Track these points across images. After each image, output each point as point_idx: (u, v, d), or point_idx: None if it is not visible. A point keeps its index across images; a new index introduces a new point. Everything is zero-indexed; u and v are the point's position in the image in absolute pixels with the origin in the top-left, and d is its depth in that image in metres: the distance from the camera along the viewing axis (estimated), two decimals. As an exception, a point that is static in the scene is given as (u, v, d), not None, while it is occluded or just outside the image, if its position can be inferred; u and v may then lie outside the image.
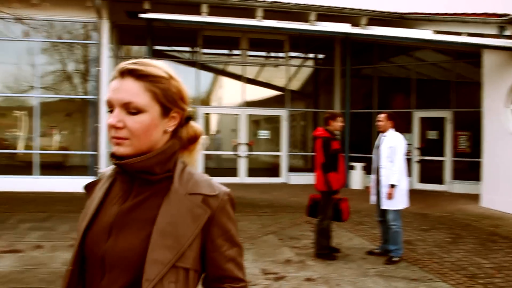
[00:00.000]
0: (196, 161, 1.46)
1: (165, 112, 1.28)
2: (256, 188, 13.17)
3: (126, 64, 1.27)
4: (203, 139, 1.45)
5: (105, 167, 10.26)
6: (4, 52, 12.23)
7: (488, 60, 10.85)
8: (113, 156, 1.28)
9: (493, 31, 10.00)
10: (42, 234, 7.17)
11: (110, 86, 1.28)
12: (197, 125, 1.44)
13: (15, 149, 12.36)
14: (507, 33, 9.75)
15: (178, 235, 1.24)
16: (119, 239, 1.25)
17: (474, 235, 7.66)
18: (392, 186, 5.95)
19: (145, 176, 1.28)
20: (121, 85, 1.25)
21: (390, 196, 5.95)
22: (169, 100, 1.28)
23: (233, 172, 14.56)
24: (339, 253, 6.37)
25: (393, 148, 6.03)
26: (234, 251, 1.35)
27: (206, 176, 1.38)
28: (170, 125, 1.31)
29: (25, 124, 12.32)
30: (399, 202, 6.04)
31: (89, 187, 1.42)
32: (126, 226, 1.27)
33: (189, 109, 1.36)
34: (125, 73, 1.26)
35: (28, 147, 12.16)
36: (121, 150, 1.26)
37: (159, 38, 13.51)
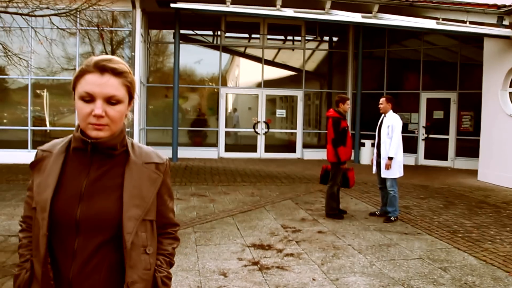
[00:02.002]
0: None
1: (130, 100, 1.56)
2: (273, 162, 14.42)
3: (103, 62, 1.49)
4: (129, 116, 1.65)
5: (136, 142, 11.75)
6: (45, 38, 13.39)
7: (488, 46, 11.84)
8: (88, 138, 1.51)
9: (493, 20, 10.92)
10: None
11: (88, 80, 1.47)
12: None
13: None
14: (506, 22, 10.67)
15: (143, 196, 1.56)
16: (92, 204, 1.49)
17: (464, 203, 8.84)
18: (390, 158, 7.15)
19: (109, 151, 1.54)
20: (105, 81, 1.47)
21: (388, 167, 7.16)
22: (133, 91, 1.56)
23: (252, 148, 15.79)
24: (346, 214, 7.61)
25: (391, 126, 7.20)
26: (172, 203, 1.74)
27: (150, 147, 1.70)
28: (129, 109, 1.58)
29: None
30: (396, 171, 7.26)
31: (34, 164, 1.62)
32: (97, 193, 1.51)
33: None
34: (104, 70, 1.48)
35: (59, 124, 13.42)
36: (101, 134, 1.49)
37: (185, 23, 14.65)
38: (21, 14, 8.75)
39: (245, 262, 5.21)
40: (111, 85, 1.48)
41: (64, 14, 9.24)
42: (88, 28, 13.00)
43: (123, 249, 1.50)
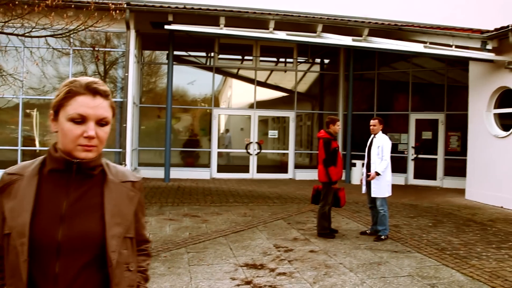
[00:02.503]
0: None
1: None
2: (265, 183, 14.56)
3: (94, 85, 1.52)
4: None
5: (129, 164, 11.58)
6: (40, 58, 13.54)
7: (473, 69, 12.20)
8: (75, 158, 1.50)
9: (477, 45, 11.28)
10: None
11: (81, 102, 1.48)
12: None
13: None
14: (489, 47, 11.03)
15: (123, 214, 1.57)
16: (74, 225, 1.47)
17: (452, 221, 9.02)
18: (377, 173, 7.35)
19: (90, 172, 1.55)
20: (98, 103, 1.50)
21: (372, 178, 7.38)
22: (115, 112, 1.59)
23: (244, 168, 15.93)
24: (337, 233, 7.75)
25: (381, 147, 7.42)
26: (144, 219, 1.76)
27: (123, 166, 1.92)
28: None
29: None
30: (385, 191, 7.46)
31: (3, 189, 1.54)
32: (78, 213, 1.49)
33: None
34: (96, 93, 1.50)
35: (49, 144, 13.35)
36: (90, 155, 1.51)
37: (179, 44, 14.91)
38: (17, 35, 8.89)
39: (238, 282, 5.31)
40: (103, 107, 1.51)
41: (60, 36, 9.42)
42: (82, 48, 13.21)
43: (106, 268, 1.50)
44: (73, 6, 9.33)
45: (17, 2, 8.19)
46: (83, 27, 9.03)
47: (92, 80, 1.53)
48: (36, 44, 10.52)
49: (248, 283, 5.27)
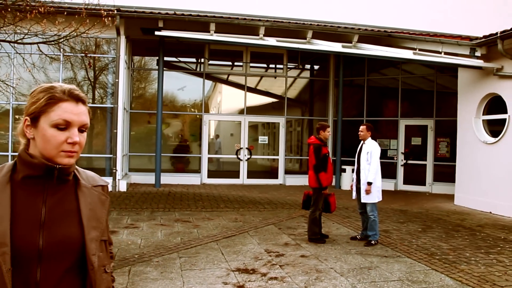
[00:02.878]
0: None
1: None
2: (256, 188, 14.58)
3: (76, 92, 1.54)
4: None
5: (120, 169, 11.59)
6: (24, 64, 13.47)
7: (462, 76, 12.35)
8: (57, 164, 1.50)
9: (466, 51, 11.43)
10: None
11: (65, 108, 1.49)
12: None
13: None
14: (478, 54, 11.18)
15: (98, 218, 1.60)
16: (55, 231, 1.48)
17: (441, 226, 9.10)
18: (369, 183, 7.40)
19: (66, 177, 1.56)
20: (81, 110, 1.53)
21: (368, 192, 7.41)
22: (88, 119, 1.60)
23: (234, 174, 15.95)
24: (327, 238, 7.78)
25: (370, 153, 7.48)
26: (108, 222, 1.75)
27: (90, 171, 1.72)
28: None
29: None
30: (375, 196, 7.51)
31: None
32: (57, 219, 1.49)
33: None
34: (78, 100, 1.53)
35: None
36: (72, 161, 1.53)
37: (169, 50, 14.94)
38: (9, 42, 8.86)
39: (230, 286, 5.32)
40: (84, 114, 1.53)
41: (53, 42, 9.41)
42: (74, 54, 13.17)
43: (86, 272, 1.52)
44: (65, 13, 9.31)
45: (9, 9, 8.16)
46: (75, 34, 9.02)
47: (73, 87, 1.54)
48: (28, 50, 10.49)
49: (240, 287, 5.27)
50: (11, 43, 8.95)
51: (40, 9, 8.14)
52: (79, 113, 1.51)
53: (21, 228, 1.43)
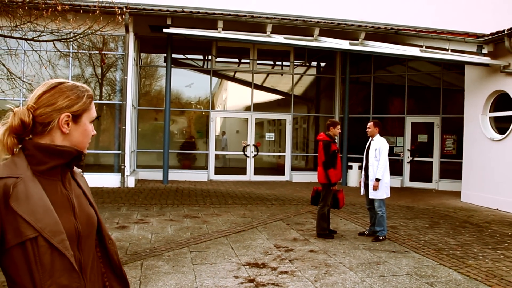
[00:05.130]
0: None
1: None
2: (263, 185, 14.67)
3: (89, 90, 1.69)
4: None
5: (128, 165, 11.71)
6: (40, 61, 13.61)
7: (469, 73, 12.38)
8: (81, 153, 1.63)
9: (473, 49, 11.46)
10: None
11: (93, 106, 1.69)
12: None
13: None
14: (485, 51, 11.21)
15: (92, 200, 1.74)
16: (83, 214, 1.62)
17: (449, 222, 9.17)
18: (377, 180, 7.48)
19: (75, 165, 1.70)
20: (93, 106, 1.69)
21: (375, 188, 7.49)
22: None
23: (241, 170, 16.04)
24: (336, 234, 7.87)
25: (378, 149, 7.55)
26: None
27: None
28: None
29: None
30: (383, 192, 7.58)
31: (8, 194, 1.44)
32: (80, 203, 1.64)
33: None
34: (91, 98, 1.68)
35: None
36: (86, 150, 1.69)
37: (177, 47, 15.04)
38: (26, 39, 8.98)
39: (242, 280, 5.42)
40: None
41: (70, 40, 9.53)
42: (88, 52, 13.31)
43: (104, 245, 1.72)
44: (81, 11, 9.45)
45: (26, 8, 8.28)
46: (89, 31, 9.17)
47: (84, 85, 1.70)
48: (43, 47, 10.65)
49: (251, 281, 5.37)
50: (27, 41, 9.07)
51: (58, 8, 8.27)
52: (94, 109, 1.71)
53: (61, 215, 1.52)
